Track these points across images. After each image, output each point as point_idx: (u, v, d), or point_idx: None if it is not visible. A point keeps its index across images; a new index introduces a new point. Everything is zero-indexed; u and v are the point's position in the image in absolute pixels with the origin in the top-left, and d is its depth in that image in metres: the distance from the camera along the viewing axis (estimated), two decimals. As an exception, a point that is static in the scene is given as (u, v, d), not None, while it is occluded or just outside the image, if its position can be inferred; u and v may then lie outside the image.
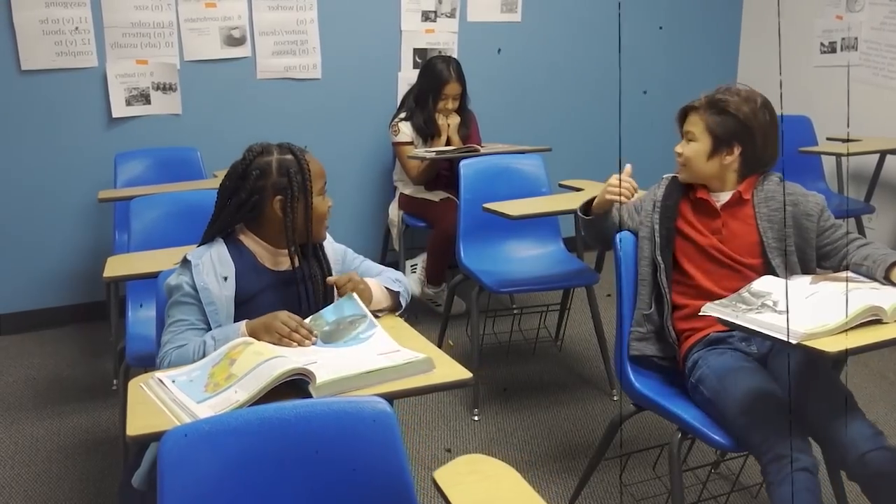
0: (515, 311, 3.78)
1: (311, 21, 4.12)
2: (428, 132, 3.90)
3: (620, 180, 2.17)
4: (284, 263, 1.92)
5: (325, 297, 1.93)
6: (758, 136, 2.16)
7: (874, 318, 1.74)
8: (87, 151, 3.85)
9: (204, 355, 1.71)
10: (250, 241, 1.93)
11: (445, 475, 1.28)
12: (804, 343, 1.65)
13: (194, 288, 1.80)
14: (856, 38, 4.48)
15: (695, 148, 2.18)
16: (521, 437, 2.93)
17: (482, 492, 1.27)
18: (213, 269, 1.83)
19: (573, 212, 3.07)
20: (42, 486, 2.65)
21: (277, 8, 4.05)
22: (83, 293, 3.97)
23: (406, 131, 3.90)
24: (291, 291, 1.89)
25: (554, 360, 3.57)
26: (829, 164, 4.32)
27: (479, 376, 3.20)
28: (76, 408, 3.16)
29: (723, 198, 2.20)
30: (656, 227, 2.21)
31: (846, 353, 2.06)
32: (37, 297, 3.94)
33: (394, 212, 4.09)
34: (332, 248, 2.05)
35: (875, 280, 1.95)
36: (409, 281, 3.86)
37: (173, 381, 1.59)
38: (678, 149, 2.23)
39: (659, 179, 2.32)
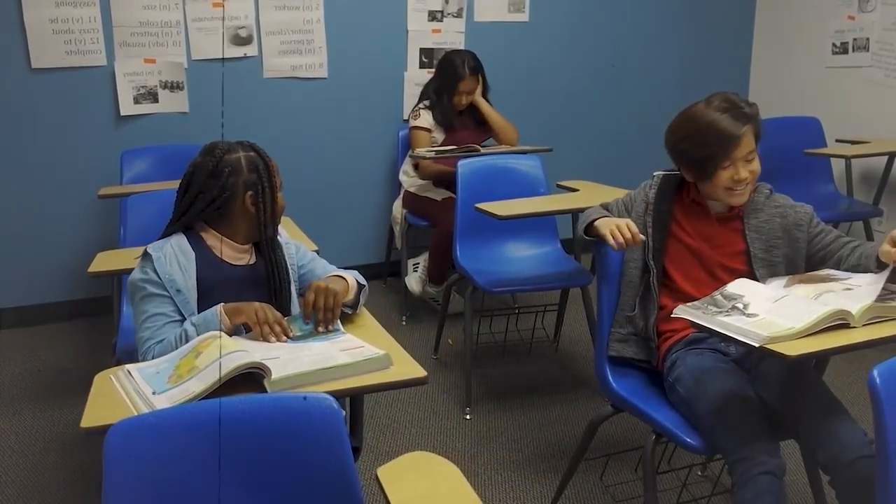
0: (514, 311, 3.78)
1: (317, 21, 4.16)
2: (447, 126, 3.94)
3: (626, 229, 2.06)
4: (243, 259, 1.95)
5: (286, 292, 1.96)
6: None
7: (842, 322, 1.73)
8: (96, 148, 3.92)
9: (187, 341, 1.74)
10: (210, 237, 1.96)
11: (388, 472, 1.30)
12: (767, 346, 1.64)
13: (160, 280, 1.83)
14: (867, 39, 4.42)
15: (758, 160, 2.08)
16: (511, 437, 2.94)
17: (420, 489, 1.28)
18: (176, 258, 1.87)
19: (565, 212, 3.11)
20: (37, 476, 2.71)
21: (284, 7, 4.09)
22: (91, 288, 4.04)
23: (427, 118, 3.95)
24: (250, 286, 1.93)
25: (549, 361, 3.58)
26: (838, 166, 4.27)
27: (474, 376, 3.22)
28: (77, 401, 3.17)
29: (717, 206, 2.17)
30: (649, 230, 2.18)
31: (825, 357, 2.08)
32: (45, 292, 4.02)
33: (397, 209, 4.12)
34: (286, 243, 2.08)
35: (872, 273, 1.92)
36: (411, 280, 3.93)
37: (140, 373, 1.63)
38: (745, 174, 2.06)
39: (653, 177, 2.26)
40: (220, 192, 1.90)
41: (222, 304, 1.82)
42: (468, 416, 3.07)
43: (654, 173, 2.27)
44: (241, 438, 1.31)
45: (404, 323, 3.99)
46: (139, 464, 1.25)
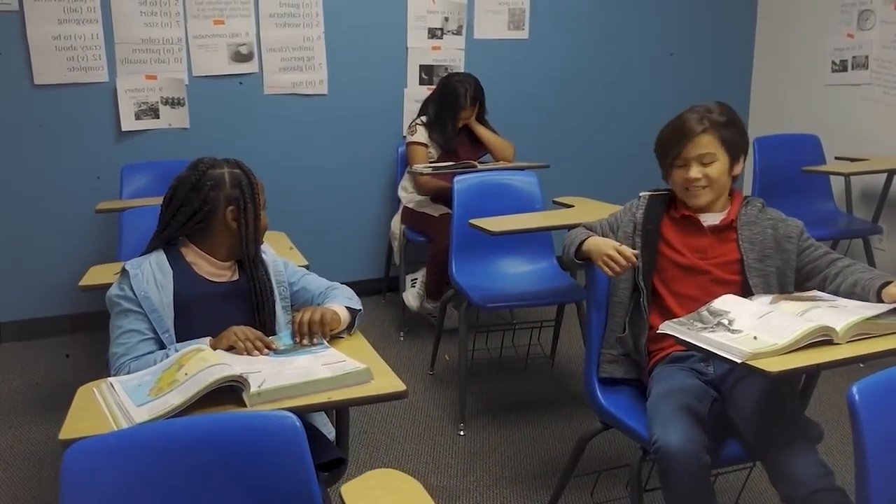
0: (514, 326, 3.78)
1: (317, 38, 4.20)
2: (444, 148, 3.96)
3: (620, 256, 2.07)
4: (224, 276, 1.96)
5: (268, 310, 1.97)
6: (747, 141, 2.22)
7: (826, 339, 1.72)
8: (97, 163, 3.96)
9: None
10: (191, 253, 1.98)
11: (352, 489, 1.29)
12: (749, 363, 1.64)
13: (135, 297, 1.85)
14: (866, 57, 4.43)
15: (718, 167, 2.14)
16: (505, 453, 2.93)
17: (385, 508, 1.28)
18: (153, 276, 1.89)
19: (558, 228, 3.12)
20: (31, 488, 2.72)
21: (284, 25, 4.13)
22: (92, 302, 4.06)
23: (423, 133, 3.98)
24: (231, 302, 1.94)
25: (545, 377, 3.57)
26: (837, 183, 4.26)
27: (469, 391, 3.22)
28: (73, 413, 3.22)
29: (709, 219, 2.18)
30: (639, 251, 2.17)
31: (809, 373, 2.08)
32: (46, 306, 4.05)
33: (396, 225, 4.14)
34: (273, 261, 2.08)
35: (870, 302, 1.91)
36: (411, 294, 3.91)
37: (122, 385, 1.64)
38: (695, 174, 2.13)
39: (636, 197, 2.30)
40: (202, 205, 1.92)
41: (209, 338, 1.83)
42: (462, 433, 3.07)
43: (641, 194, 2.29)
44: (204, 459, 1.29)
45: (402, 338, 4.00)
46: (99, 487, 1.23)
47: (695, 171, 2.13)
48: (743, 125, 2.21)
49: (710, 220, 2.19)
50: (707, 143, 2.13)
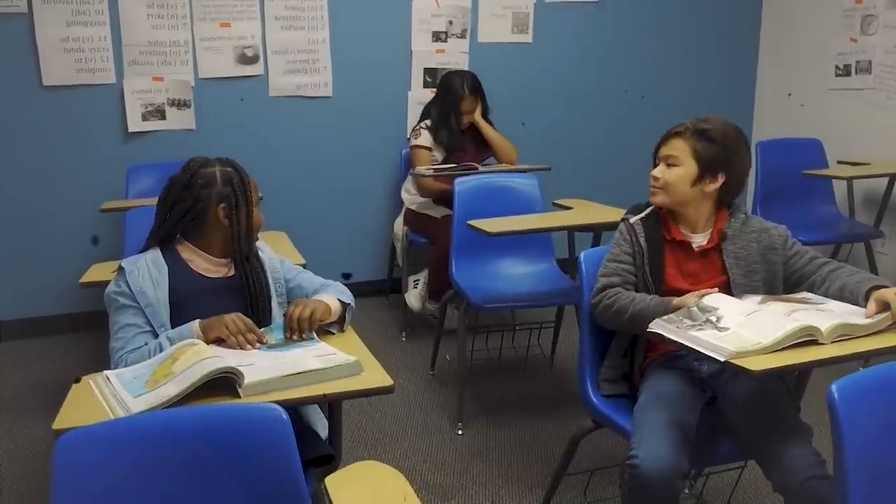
0: (514, 327, 3.81)
1: (322, 41, 4.24)
2: (449, 147, 3.99)
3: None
4: (220, 272, 2.00)
5: (263, 305, 2.00)
6: (738, 165, 2.15)
7: (811, 339, 1.74)
8: (104, 164, 4.01)
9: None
10: (186, 251, 2.02)
11: (335, 480, 1.32)
12: (732, 361, 1.66)
13: (131, 292, 1.89)
14: (870, 62, 4.44)
15: (678, 173, 2.12)
16: (502, 452, 2.95)
17: (366, 497, 1.31)
18: (148, 272, 1.93)
19: (555, 230, 3.14)
20: (34, 483, 2.76)
21: (290, 28, 4.18)
22: (95, 301, 4.10)
23: (427, 137, 4.01)
24: (226, 297, 1.97)
25: (544, 377, 3.59)
26: (840, 188, 4.27)
27: (468, 392, 3.25)
28: (77, 410, 3.26)
29: (697, 240, 2.17)
30: (649, 280, 2.14)
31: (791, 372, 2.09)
32: (49, 305, 4.10)
33: (399, 227, 4.17)
34: (270, 258, 2.12)
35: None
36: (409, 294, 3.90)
37: (118, 378, 1.68)
38: (656, 173, 2.15)
39: (627, 224, 2.22)
40: (194, 203, 1.96)
41: (198, 320, 1.87)
42: (460, 432, 3.09)
43: (631, 220, 2.22)
44: (193, 450, 1.32)
45: (404, 339, 4.03)
46: (89, 476, 1.26)
47: (656, 171, 2.17)
48: (737, 146, 2.14)
49: (697, 240, 2.17)
50: (676, 147, 2.13)
